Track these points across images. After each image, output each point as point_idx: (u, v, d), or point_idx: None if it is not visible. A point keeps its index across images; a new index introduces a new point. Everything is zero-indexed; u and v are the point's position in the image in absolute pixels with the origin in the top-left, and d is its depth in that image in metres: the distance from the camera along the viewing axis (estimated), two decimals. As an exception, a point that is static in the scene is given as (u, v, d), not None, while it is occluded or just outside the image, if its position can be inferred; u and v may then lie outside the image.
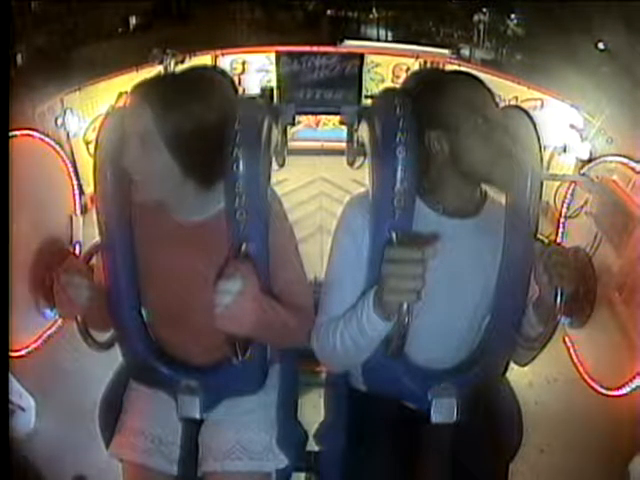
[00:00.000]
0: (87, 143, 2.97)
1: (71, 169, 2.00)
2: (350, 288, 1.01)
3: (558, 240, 1.93)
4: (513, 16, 7.85)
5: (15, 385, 1.82)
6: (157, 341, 1.10)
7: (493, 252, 1.05)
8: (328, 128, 4.14)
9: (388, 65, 4.03)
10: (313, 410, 1.34)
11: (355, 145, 1.64)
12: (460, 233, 1.03)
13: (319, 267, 1.15)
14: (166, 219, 1.04)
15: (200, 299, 0.92)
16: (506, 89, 3.34)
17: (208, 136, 0.94)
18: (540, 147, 1.01)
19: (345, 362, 1.08)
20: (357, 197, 1.06)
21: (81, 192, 2.01)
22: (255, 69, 4.00)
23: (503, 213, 1.05)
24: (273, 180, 1.09)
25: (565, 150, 3.03)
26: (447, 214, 1.04)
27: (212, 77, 1.01)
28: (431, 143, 1.00)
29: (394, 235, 0.94)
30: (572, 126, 2.93)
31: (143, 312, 1.09)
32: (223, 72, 1.06)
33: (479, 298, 1.06)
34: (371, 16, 9.36)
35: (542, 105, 3.22)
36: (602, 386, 1.75)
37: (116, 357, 1.14)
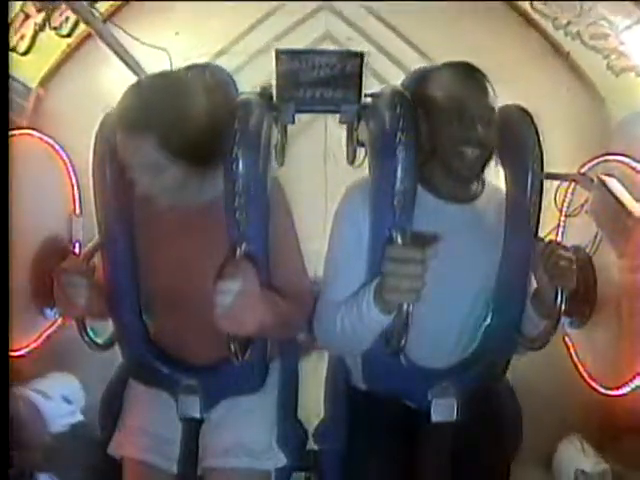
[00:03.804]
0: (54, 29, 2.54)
1: (70, 168, 2.00)
2: (351, 275, 1.01)
3: (558, 239, 1.93)
4: None
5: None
6: (157, 341, 1.10)
7: (493, 237, 1.05)
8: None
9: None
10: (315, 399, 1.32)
11: (355, 144, 1.64)
12: (458, 218, 1.04)
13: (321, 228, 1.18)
14: (165, 204, 1.03)
15: (200, 287, 0.92)
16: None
17: (199, 139, 0.94)
18: (540, 147, 1.01)
19: (345, 347, 1.09)
20: (357, 186, 1.07)
21: (80, 190, 1.99)
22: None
23: (502, 198, 1.06)
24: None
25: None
26: (445, 199, 1.04)
27: (208, 78, 1.01)
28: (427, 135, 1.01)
29: (394, 234, 0.94)
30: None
31: (143, 312, 1.09)
32: (224, 72, 1.07)
33: (479, 288, 1.06)
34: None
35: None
36: (602, 386, 1.75)
37: (116, 357, 1.14)
